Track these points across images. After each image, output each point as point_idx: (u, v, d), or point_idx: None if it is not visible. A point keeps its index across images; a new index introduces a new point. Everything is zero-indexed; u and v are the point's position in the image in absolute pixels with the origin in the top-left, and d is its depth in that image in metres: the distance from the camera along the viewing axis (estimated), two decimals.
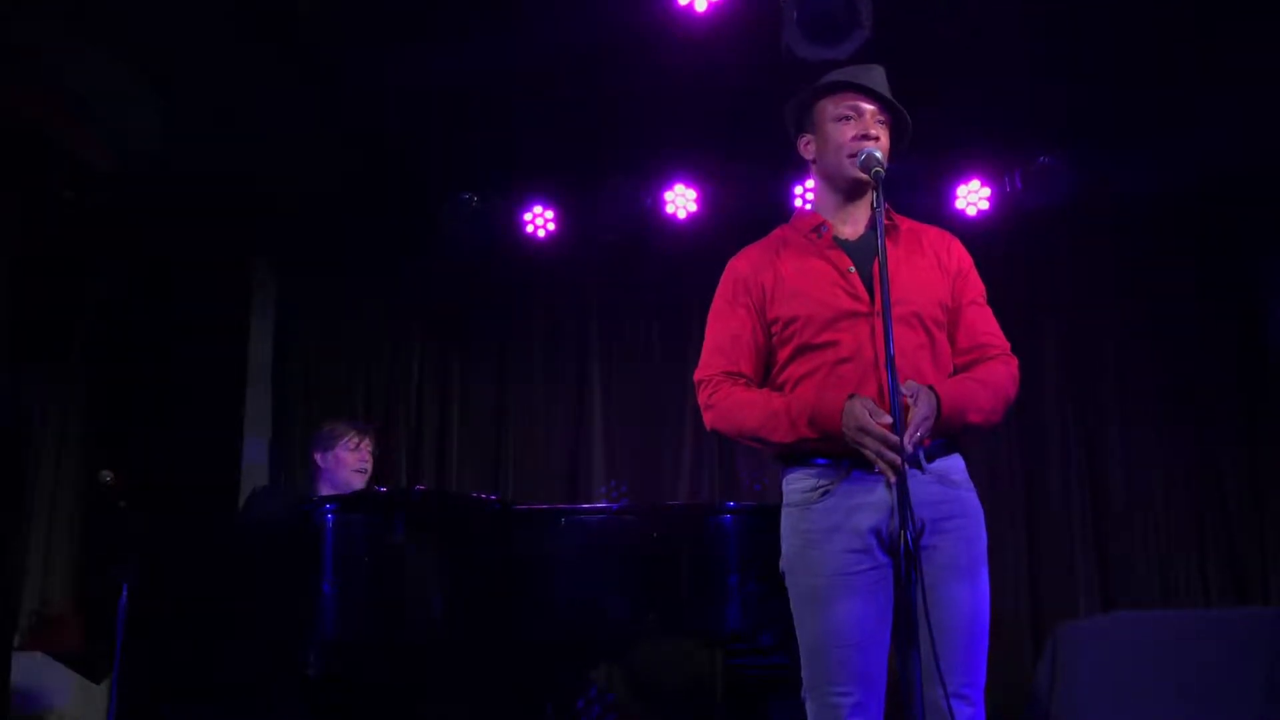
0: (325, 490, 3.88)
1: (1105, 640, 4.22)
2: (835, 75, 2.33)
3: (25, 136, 4.25)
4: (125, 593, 3.25)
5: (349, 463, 3.92)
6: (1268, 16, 3.99)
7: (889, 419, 2.02)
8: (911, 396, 2.05)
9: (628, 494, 5.50)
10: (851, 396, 2.09)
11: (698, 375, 2.33)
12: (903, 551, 1.97)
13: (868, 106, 2.28)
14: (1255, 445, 5.19)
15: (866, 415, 2.04)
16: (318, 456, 3.94)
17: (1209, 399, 5.27)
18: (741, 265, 2.35)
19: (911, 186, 4.92)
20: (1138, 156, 4.96)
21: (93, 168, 4.55)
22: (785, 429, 2.16)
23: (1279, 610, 4.56)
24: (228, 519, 3.86)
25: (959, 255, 2.34)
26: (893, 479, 2.01)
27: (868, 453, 2.04)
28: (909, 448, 2.01)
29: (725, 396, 2.26)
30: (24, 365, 4.88)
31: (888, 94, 2.30)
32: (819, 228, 2.30)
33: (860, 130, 2.25)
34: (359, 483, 3.94)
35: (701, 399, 2.31)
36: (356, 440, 3.95)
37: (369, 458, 3.99)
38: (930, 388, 2.09)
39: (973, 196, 5.15)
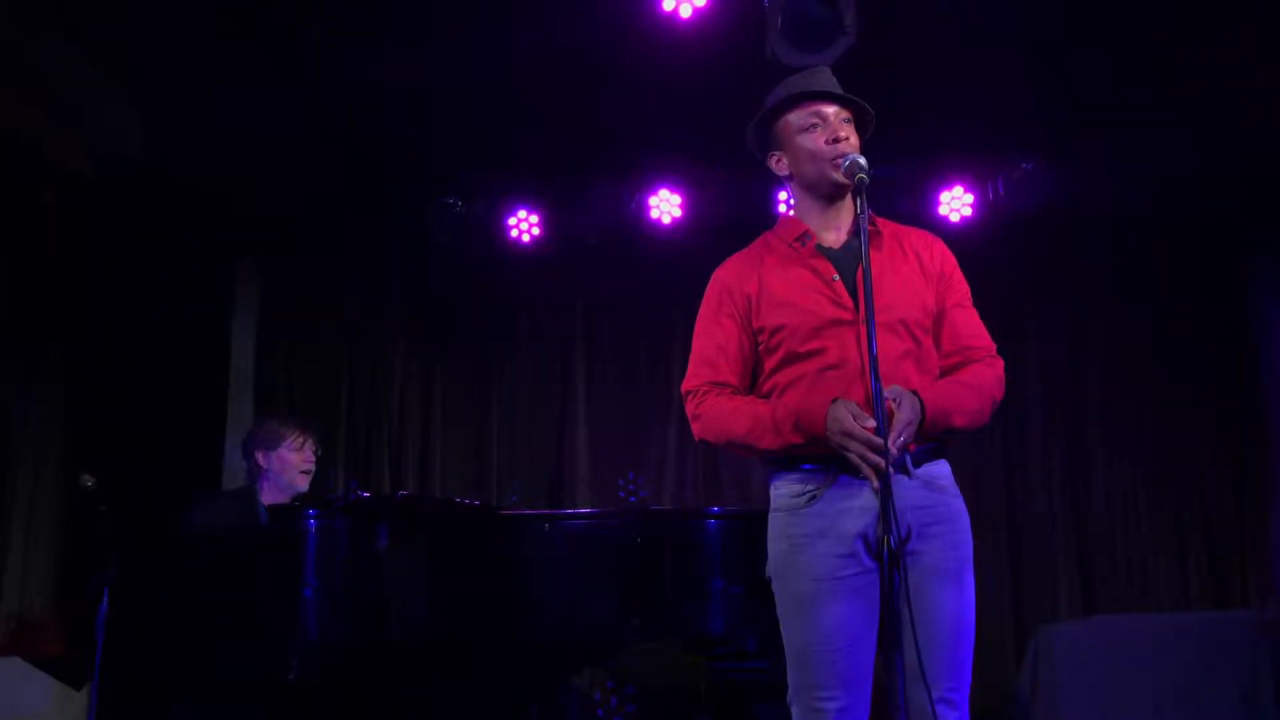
0: (267, 490, 3.76)
1: (1086, 643, 4.25)
2: (786, 90, 2.33)
3: (6, 139, 4.22)
4: (106, 598, 3.22)
5: (294, 463, 3.79)
6: (1258, 19, 4.02)
7: (873, 422, 2.03)
8: (895, 400, 2.05)
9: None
10: (835, 400, 2.09)
11: (685, 387, 2.34)
12: (885, 556, 1.98)
13: (829, 109, 2.29)
14: (1235, 448, 5.24)
15: (850, 419, 2.05)
16: (259, 456, 3.79)
17: (1189, 403, 5.31)
18: (726, 275, 2.35)
19: (895, 193, 4.95)
20: (1120, 163, 4.99)
21: (75, 170, 4.52)
22: (771, 435, 2.16)
23: (1257, 614, 4.59)
24: (205, 524, 3.80)
25: (942, 257, 2.35)
26: (876, 483, 2.01)
27: (852, 456, 2.05)
28: (893, 451, 2.02)
29: (712, 406, 2.27)
30: (4, 367, 4.84)
31: (841, 91, 2.31)
32: (803, 236, 2.31)
33: (830, 134, 2.26)
34: (304, 484, 3.82)
35: (689, 410, 2.32)
36: (301, 440, 3.83)
37: (313, 457, 3.87)
38: (914, 392, 2.10)
39: (956, 203, 5.18)
